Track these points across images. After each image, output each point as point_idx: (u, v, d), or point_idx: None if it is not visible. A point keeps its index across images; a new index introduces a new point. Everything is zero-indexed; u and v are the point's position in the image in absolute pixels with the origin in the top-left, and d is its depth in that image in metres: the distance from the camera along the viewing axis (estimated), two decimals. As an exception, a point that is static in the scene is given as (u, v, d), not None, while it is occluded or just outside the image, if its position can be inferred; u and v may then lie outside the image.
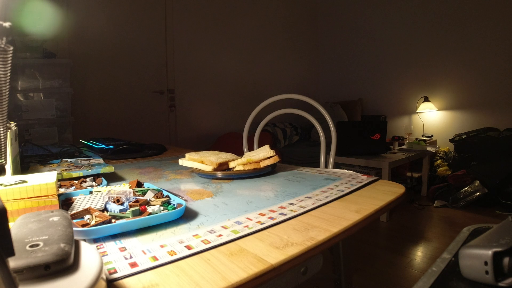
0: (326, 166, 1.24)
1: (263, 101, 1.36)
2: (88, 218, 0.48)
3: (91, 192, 0.61)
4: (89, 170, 0.77)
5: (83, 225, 0.45)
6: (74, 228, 0.38)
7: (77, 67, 2.40)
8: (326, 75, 4.53)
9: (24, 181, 0.49)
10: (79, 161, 0.90)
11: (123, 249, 0.41)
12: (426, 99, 3.39)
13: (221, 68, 3.45)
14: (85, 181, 0.73)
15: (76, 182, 0.72)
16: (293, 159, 3.12)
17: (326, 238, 0.44)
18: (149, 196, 0.57)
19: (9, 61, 0.48)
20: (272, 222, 0.50)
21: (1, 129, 0.56)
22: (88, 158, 0.97)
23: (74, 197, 0.59)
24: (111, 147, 1.21)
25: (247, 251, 0.40)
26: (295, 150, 3.22)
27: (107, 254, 0.40)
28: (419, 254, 1.87)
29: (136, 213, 0.49)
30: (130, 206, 0.51)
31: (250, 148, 1.36)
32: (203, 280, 0.34)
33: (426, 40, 3.44)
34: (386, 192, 0.65)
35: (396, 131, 3.74)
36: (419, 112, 3.52)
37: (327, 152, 1.29)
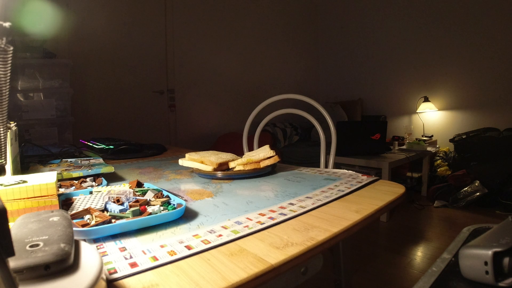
0: (326, 166, 1.24)
1: (263, 101, 1.36)
2: (88, 218, 0.48)
3: (91, 192, 0.61)
4: (89, 170, 0.77)
5: (83, 225, 0.45)
6: (74, 228, 0.38)
7: (77, 67, 2.40)
8: (326, 75, 4.53)
9: (24, 181, 0.49)
10: (79, 161, 0.90)
11: (123, 249, 0.41)
12: (426, 99, 3.39)
13: (221, 68, 3.45)
14: (85, 181, 0.73)
15: (76, 182, 0.72)
16: (293, 159, 3.12)
17: (326, 238, 0.44)
18: (149, 196, 0.57)
19: (9, 61, 0.48)
20: (272, 222, 0.50)
21: (1, 129, 0.56)
22: (88, 158, 0.97)
23: (74, 197, 0.59)
24: (111, 147, 1.21)
25: (247, 251, 0.40)
26: (295, 150, 3.22)
27: (107, 254, 0.40)
28: (419, 254, 1.87)
29: (136, 213, 0.49)
30: (130, 206, 0.51)
31: (250, 148, 1.36)
32: (203, 280, 0.34)
33: (426, 40, 3.44)
34: (386, 192, 0.65)
35: (396, 131, 3.74)
36: (419, 112, 3.53)
37: (327, 152, 1.29)
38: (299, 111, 1.32)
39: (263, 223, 0.49)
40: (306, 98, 1.28)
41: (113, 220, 0.47)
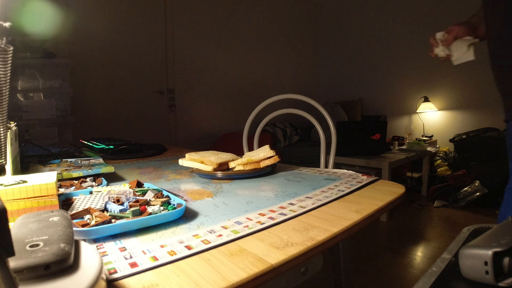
0: (326, 166, 1.24)
1: (263, 101, 1.36)
2: (88, 218, 0.48)
3: (91, 192, 0.61)
4: (89, 170, 0.77)
5: (83, 225, 0.45)
6: (74, 228, 0.38)
7: (77, 67, 2.40)
8: (326, 75, 4.53)
9: (24, 181, 0.49)
10: (79, 161, 0.90)
11: (123, 249, 0.41)
12: (426, 99, 3.39)
13: (221, 68, 3.45)
14: (85, 181, 0.73)
15: (76, 182, 0.72)
16: (293, 159, 3.12)
17: (326, 238, 0.44)
18: (149, 196, 0.57)
19: (9, 61, 0.48)
20: (272, 222, 0.50)
21: (1, 129, 0.56)
22: (88, 158, 0.97)
23: (74, 197, 0.59)
24: (111, 147, 1.21)
25: (247, 251, 0.40)
26: (295, 150, 3.22)
27: (107, 254, 0.40)
28: (419, 254, 1.87)
29: (136, 213, 0.49)
30: (130, 206, 0.51)
31: (250, 148, 1.36)
32: (203, 280, 0.34)
33: (426, 40, 3.43)
34: (386, 192, 0.65)
35: (396, 131, 3.74)
36: (419, 112, 3.52)
37: (327, 152, 1.29)
38: (299, 111, 1.32)
39: (263, 223, 0.49)
40: (306, 98, 1.28)
41: (113, 220, 0.47)
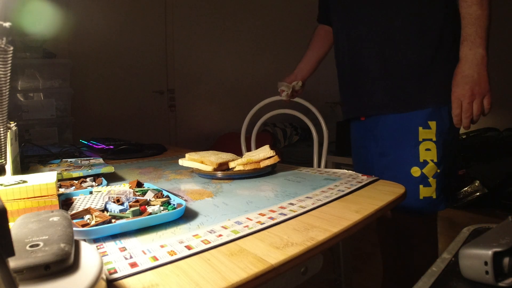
0: (319, 166, 1.26)
1: (262, 101, 1.38)
2: (88, 218, 0.48)
3: (91, 192, 0.61)
4: (89, 170, 0.77)
5: (83, 225, 0.45)
6: (74, 228, 0.38)
7: (77, 67, 2.40)
8: (326, 75, 4.53)
9: (24, 181, 0.49)
10: (79, 161, 0.90)
11: (123, 249, 0.41)
12: (426, 99, 3.38)
13: (221, 68, 3.45)
14: (85, 181, 0.73)
15: (76, 182, 0.72)
16: (293, 159, 3.12)
17: (326, 238, 0.44)
18: (149, 196, 0.57)
19: (9, 61, 0.48)
20: (272, 222, 0.50)
21: (1, 129, 0.56)
22: (88, 158, 0.97)
23: (74, 197, 0.59)
24: (111, 147, 1.21)
25: (247, 251, 0.40)
26: (295, 150, 3.22)
27: (107, 254, 0.40)
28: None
29: (136, 213, 0.49)
30: (130, 206, 0.51)
31: (248, 148, 1.37)
32: (203, 280, 0.34)
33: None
34: (386, 192, 0.65)
35: (396, 131, 3.74)
36: (419, 112, 3.52)
37: (324, 152, 1.31)
38: (294, 112, 1.33)
39: (263, 223, 0.49)
40: (301, 100, 1.30)
41: (113, 220, 0.47)
